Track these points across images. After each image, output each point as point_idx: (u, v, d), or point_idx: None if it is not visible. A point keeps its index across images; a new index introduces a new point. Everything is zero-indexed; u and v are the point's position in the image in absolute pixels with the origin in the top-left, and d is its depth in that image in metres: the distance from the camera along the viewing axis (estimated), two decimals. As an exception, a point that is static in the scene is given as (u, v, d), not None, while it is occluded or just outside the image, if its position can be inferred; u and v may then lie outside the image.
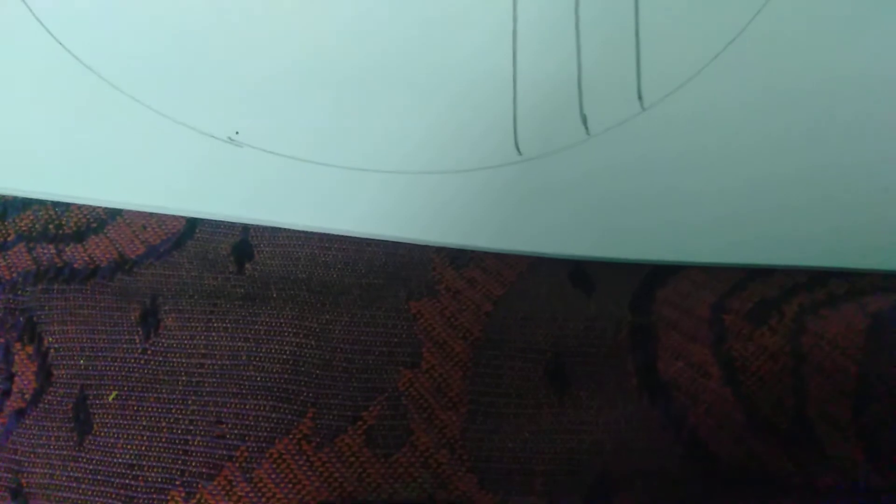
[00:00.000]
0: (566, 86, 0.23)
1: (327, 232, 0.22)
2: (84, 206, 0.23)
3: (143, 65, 0.23)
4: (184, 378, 0.21)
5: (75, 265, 0.23)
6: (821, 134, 0.22)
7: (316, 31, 0.23)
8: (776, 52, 0.22)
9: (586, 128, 0.22)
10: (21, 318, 0.22)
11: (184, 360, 0.21)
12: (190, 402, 0.21)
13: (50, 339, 0.22)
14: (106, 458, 0.20)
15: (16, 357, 0.22)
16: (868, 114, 0.22)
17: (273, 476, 0.20)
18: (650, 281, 0.21)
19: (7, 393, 0.21)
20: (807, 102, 0.22)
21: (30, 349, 0.22)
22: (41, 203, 0.23)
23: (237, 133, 0.22)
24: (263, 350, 0.21)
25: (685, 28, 0.23)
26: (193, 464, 0.20)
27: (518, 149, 0.22)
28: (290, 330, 0.21)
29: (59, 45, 0.24)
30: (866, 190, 0.21)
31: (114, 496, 0.20)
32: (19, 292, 0.22)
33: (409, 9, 0.23)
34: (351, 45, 0.23)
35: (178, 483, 0.20)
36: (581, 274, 0.22)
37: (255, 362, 0.21)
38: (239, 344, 0.21)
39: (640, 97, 0.22)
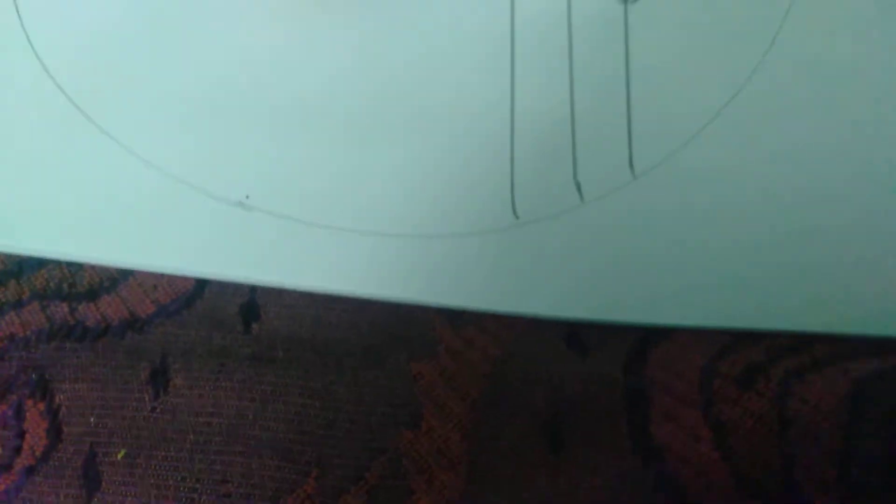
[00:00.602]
0: (561, 154, 0.24)
1: (332, 293, 0.23)
2: (97, 265, 0.24)
3: (158, 130, 0.24)
4: (191, 437, 0.22)
5: (87, 323, 0.23)
6: (805, 202, 0.23)
7: (322, 103, 0.24)
8: (761, 124, 0.23)
9: (580, 194, 0.23)
10: (34, 376, 0.23)
11: (191, 419, 0.22)
12: (197, 460, 0.21)
13: (61, 397, 0.22)
14: (114, 516, 0.21)
15: (27, 414, 0.22)
16: (850, 183, 0.23)
17: (277, 534, 0.20)
18: (643, 343, 0.22)
19: (18, 450, 0.22)
20: (792, 171, 0.23)
21: (41, 406, 0.22)
22: (56, 262, 0.24)
23: (247, 197, 0.23)
24: (269, 410, 0.22)
25: (674, 100, 0.24)
26: (199, 522, 0.21)
27: (515, 213, 0.23)
28: (295, 390, 0.22)
29: (77, 109, 0.25)
30: (848, 256, 0.22)
31: (121, 553, 0.21)
32: (32, 350, 0.23)
33: (413, 77, 0.25)
34: (356, 115, 0.24)
35: (184, 541, 0.21)
36: (576, 336, 0.22)
37: (260, 422, 0.22)
38: (245, 403, 0.22)
39: (631, 165, 0.24)
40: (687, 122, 0.24)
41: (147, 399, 0.22)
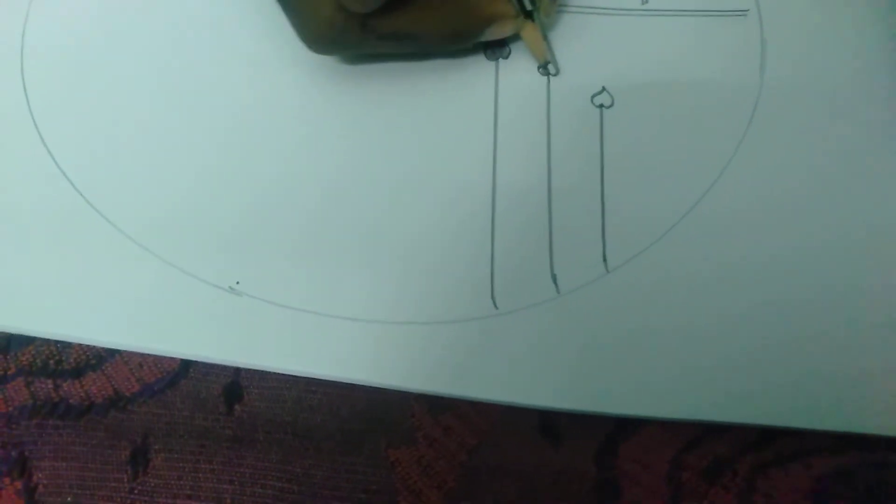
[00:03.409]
0: (539, 248, 0.25)
1: (313, 377, 0.24)
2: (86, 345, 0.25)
3: (155, 217, 0.25)
4: (168, 519, 0.22)
5: (71, 401, 0.24)
6: (771, 299, 0.24)
7: (312, 197, 0.26)
8: (728, 223, 0.25)
9: (556, 286, 0.24)
10: (13, 453, 0.23)
11: (169, 501, 0.22)
12: (172, 543, 0.21)
13: (40, 475, 0.23)
14: None
15: (3, 492, 0.22)
16: (814, 281, 0.24)
17: None
18: (614, 434, 0.23)
19: (-9, 529, 0.22)
20: (758, 270, 0.24)
21: (18, 485, 0.22)
22: (45, 339, 0.25)
23: (238, 283, 0.24)
24: (248, 492, 0.22)
25: (646, 199, 0.26)
26: None
27: (495, 303, 0.24)
28: (273, 474, 0.22)
29: (77, 192, 0.26)
30: (812, 354, 0.23)
31: None
32: (13, 426, 0.23)
33: (398, 175, 0.26)
34: (344, 208, 0.26)
35: None
36: (550, 425, 0.23)
37: (238, 505, 0.22)
38: (224, 486, 0.22)
39: (605, 260, 0.25)
40: (658, 220, 0.25)
41: (126, 479, 0.22)
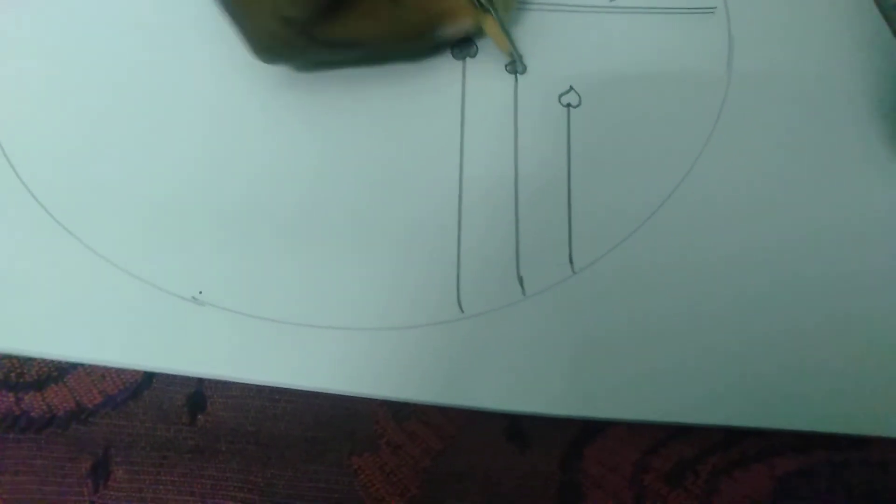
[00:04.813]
0: (505, 250, 0.25)
1: (277, 386, 0.23)
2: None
3: (115, 227, 0.25)
4: (128, 532, 0.21)
5: (32, 414, 0.23)
6: (736, 298, 0.24)
7: (274, 206, 0.26)
8: (693, 224, 0.25)
9: (522, 289, 0.24)
10: (-27, 468, 0.23)
11: (130, 514, 0.22)
12: (132, 556, 0.21)
13: (0, 491, 0.22)
14: None
15: (-37, 508, 0.22)
16: (781, 279, 0.24)
17: None
18: (580, 438, 0.22)
19: (-49, 545, 0.22)
20: (723, 270, 0.24)
21: (-22, 500, 0.22)
22: (7, 354, 0.24)
23: (200, 293, 0.24)
24: (209, 503, 0.22)
25: (613, 200, 0.25)
26: None
27: (460, 307, 0.24)
28: (235, 484, 0.22)
29: (36, 201, 0.26)
30: (778, 352, 0.23)
31: None
32: (-25, 441, 0.23)
33: (361, 180, 0.26)
34: (307, 216, 0.25)
35: None
36: (516, 429, 0.23)
37: (199, 517, 0.22)
38: (185, 497, 0.22)
39: (571, 261, 0.25)
40: (625, 220, 0.25)
41: (86, 493, 0.22)
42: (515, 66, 0.27)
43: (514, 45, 0.26)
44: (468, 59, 0.27)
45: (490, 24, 0.25)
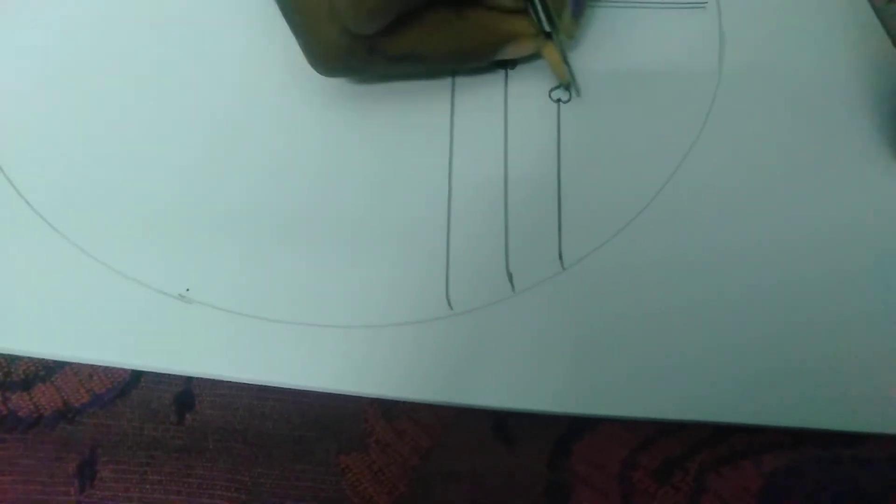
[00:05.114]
0: (494, 246, 0.25)
1: (266, 384, 0.23)
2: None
3: (101, 224, 0.25)
4: (115, 532, 0.21)
5: (20, 413, 0.23)
6: (728, 295, 0.23)
7: (264, 206, 0.25)
8: (682, 220, 0.25)
9: (512, 285, 0.24)
10: (-41, 468, 0.23)
11: (116, 513, 0.22)
12: (119, 556, 0.21)
13: (-14, 490, 0.22)
14: None
15: (-51, 509, 0.22)
16: (770, 276, 0.24)
17: None
18: (568, 435, 0.22)
19: (-64, 546, 0.22)
20: (713, 266, 0.24)
21: (-36, 501, 0.22)
22: (-7, 352, 0.24)
23: (188, 290, 0.24)
24: (195, 503, 0.22)
25: (603, 195, 0.25)
26: None
27: (449, 303, 0.24)
28: (222, 483, 0.22)
29: (22, 199, 0.25)
30: (767, 348, 0.23)
31: None
32: (-39, 441, 0.23)
33: (350, 180, 0.26)
34: (296, 214, 0.25)
35: None
36: (504, 426, 0.23)
37: (186, 516, 0.21)
38: (172, 497, 0.22)
39: (560, 258, 0.24)
40: (615, 216, 0.25)
41: (73, 493, 0.22)
42: (570, 91, 0.27)
43: (572, 72, 0.26)
44: None
45: (550, 51, 0.25)
